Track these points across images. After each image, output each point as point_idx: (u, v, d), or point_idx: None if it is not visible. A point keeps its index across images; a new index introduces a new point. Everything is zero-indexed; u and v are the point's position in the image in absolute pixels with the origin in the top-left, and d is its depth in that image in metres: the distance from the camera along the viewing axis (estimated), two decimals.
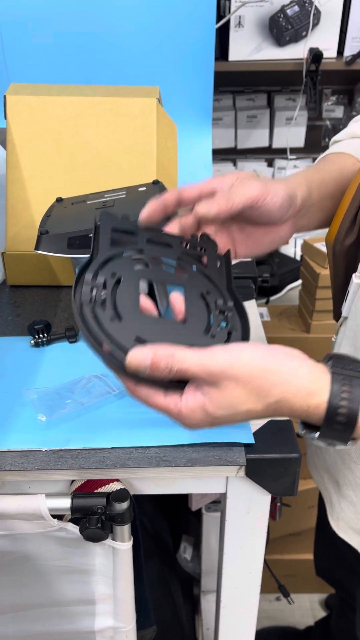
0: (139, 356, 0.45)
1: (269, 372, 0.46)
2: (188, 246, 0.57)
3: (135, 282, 0.51)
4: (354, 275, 0.63)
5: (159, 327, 0.49)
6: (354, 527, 0.67)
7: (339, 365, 0.48)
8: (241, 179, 0.58)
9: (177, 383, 0.47)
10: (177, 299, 0.53)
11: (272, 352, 0.47)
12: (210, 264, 0.57)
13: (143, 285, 0.52)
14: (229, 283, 0.56)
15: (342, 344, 0.69)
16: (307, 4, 1.40)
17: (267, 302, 1.54)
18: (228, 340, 0.51)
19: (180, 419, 0.48)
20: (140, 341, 0.47)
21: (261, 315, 1.43)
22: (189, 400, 0.47)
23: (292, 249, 1.66)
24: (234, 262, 0.61)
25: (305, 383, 0.46)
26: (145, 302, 0.51)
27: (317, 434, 0.48)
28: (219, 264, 0.58)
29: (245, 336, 0.52)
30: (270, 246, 0.63)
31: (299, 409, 0.46)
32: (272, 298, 1.57)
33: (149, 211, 0.56)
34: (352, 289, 0.63)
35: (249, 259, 0.95)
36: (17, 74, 1.12)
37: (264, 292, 1.51)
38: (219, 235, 0.60)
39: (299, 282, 1.56)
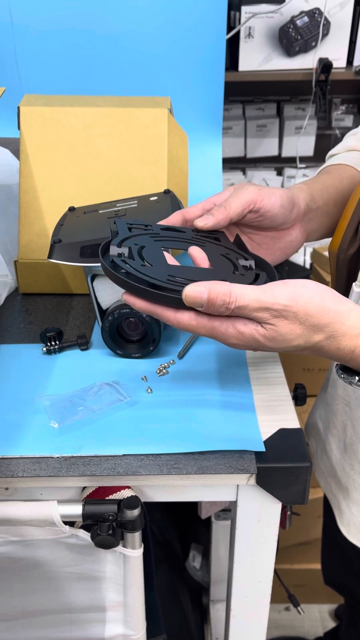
0: (195, 292, 0.45)
1: (327, 310, 0.46)
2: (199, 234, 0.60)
3: (157, 247, 0.53)
4: (354, 284, 0.65)
5: (189, 270, 0.50)
6: None
7: None
8: (237, 187, 0.60)
9: None
10: (197, 252, 0.53)
11: (329, 292, 0.48)
12: (224, 242, 0.59)
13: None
14: (246, 251, 0.58)
15: None
16: (316, 15, 1.41)
17: None
18: (256, 279, 0.51)
19: (224, 338, 0.47)
20: (172, 278, 0.48)
21: None
22: (239, 326, 0.47)
23: (302, 257, 1.66)
24: None
25: (356, 324, 0.47)
26: (171, 258, 0.52)
27: (357, 378, 0.49)
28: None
29: (272, 277, 0.53)
30: (283, 253, 0.64)
31: (345, 348, 0.47)
32: None
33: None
34: (353, 297, 0.65)
35: None
36: (30, 86, 1.14)
37: None
38: None
39: None
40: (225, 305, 0.45)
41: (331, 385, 0.77)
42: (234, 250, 0.57)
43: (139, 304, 0.48)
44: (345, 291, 0.68)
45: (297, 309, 0.45)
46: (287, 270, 1.55)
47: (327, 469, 0.75)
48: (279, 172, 1.87)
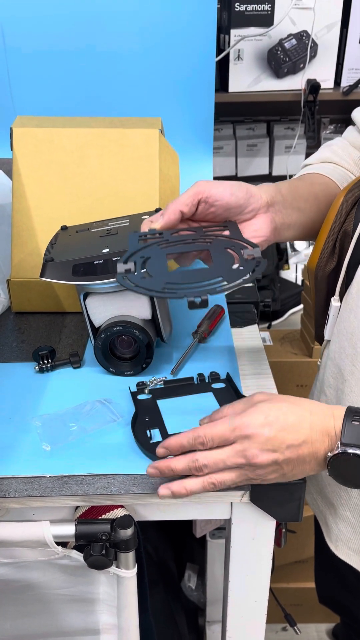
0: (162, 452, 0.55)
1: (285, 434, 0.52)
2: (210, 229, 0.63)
3: (162, 256, 0.57)
4: (332, 298, 0.65)
5: (187, 273, 0.54)
6: (354, 548, 0.67)
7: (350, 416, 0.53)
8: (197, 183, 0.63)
9: None
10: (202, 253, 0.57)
11: (289, 417, 0.53)
12: (233, 233, 0.61)
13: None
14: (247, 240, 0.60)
15: (327, 366, 0.70)
16: (304, 37, 1.44)
17: (269, 327, 1.55)
18: (254, 270, 0.54)
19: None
20: (169, 286, 0.52)
21: (263, 340, 1.43)
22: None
23: (293, 274, 1.68)
24: None
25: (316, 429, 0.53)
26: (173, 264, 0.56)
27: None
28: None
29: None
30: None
31: (317, 448, 0.53)
32: (274, 323, 1.57)
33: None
34: (332, 312, 0.66)
35: (250, 284, 0.96)
36: (23, 107, 1.16)
37: (266, 316, 1.52)
38: None
39: (301, 306, 1.57)
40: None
41: (315, 399, 0.77)
42: (240, 242, 0.59)
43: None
44: (325, 306, 0.69)
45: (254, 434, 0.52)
46: (279, 287, 1.56)
47: (314, 485, 0.75)
48: None
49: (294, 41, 1.45)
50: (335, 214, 0.66)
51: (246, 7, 1.39)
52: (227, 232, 0.62)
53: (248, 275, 0.53)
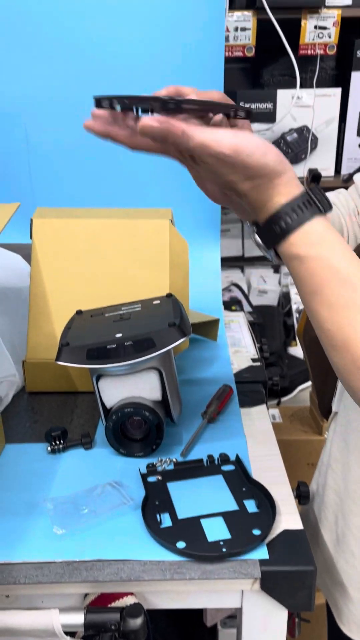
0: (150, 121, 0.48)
1: (265, 167, 0.49)
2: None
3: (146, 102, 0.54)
4: None
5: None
6: None
7: (315, 191, 0.50)
8: None
9: None
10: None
11: (273, 150, 0.49)
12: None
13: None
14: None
15: (333, 440, 0.70)
16: (304, 132, 1.55)
17: (278, 404, 1.55)
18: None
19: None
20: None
21: (273, 417, 1.44)
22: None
23: (301, 350, 1.70)
24: None
25: (286, 186, 0.50)
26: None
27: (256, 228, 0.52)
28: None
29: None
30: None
31: (265, 198, 0.50)
32: (284, 399, 1.58)
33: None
34: (339, 383, 0.65)
35: (257, 363, 0.98)
36: (42, 198, 1.24)
37: (275, 393, 1.53)
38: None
39: (310, 382, 1.58)
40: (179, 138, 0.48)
41: (321, 476, 0.77)
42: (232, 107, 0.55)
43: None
44: (323, 373, 0.68)
45: (235, 161, 0.48)
46: (287, 363, 1.58)
47: (321, 564, 0.73)
48: (276, 270, 1.96)
49: (295, 135, 1.55)
50: None
51: (250, 106, 1.51)
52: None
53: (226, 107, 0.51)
